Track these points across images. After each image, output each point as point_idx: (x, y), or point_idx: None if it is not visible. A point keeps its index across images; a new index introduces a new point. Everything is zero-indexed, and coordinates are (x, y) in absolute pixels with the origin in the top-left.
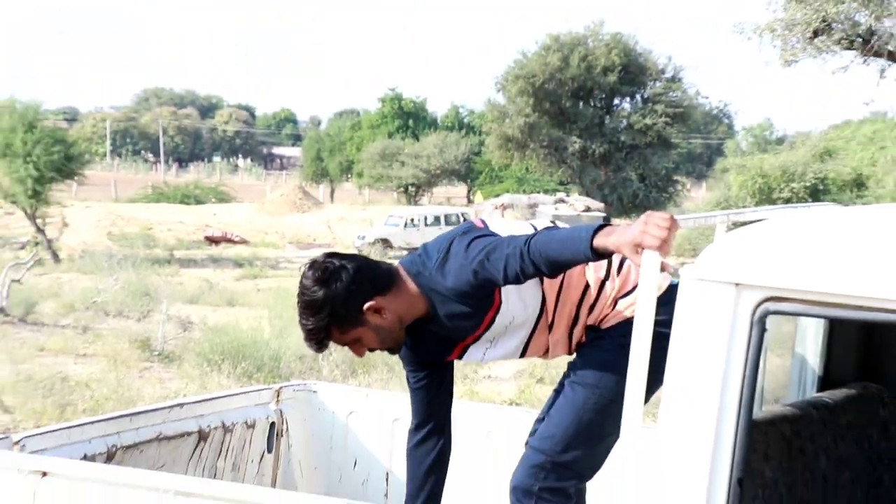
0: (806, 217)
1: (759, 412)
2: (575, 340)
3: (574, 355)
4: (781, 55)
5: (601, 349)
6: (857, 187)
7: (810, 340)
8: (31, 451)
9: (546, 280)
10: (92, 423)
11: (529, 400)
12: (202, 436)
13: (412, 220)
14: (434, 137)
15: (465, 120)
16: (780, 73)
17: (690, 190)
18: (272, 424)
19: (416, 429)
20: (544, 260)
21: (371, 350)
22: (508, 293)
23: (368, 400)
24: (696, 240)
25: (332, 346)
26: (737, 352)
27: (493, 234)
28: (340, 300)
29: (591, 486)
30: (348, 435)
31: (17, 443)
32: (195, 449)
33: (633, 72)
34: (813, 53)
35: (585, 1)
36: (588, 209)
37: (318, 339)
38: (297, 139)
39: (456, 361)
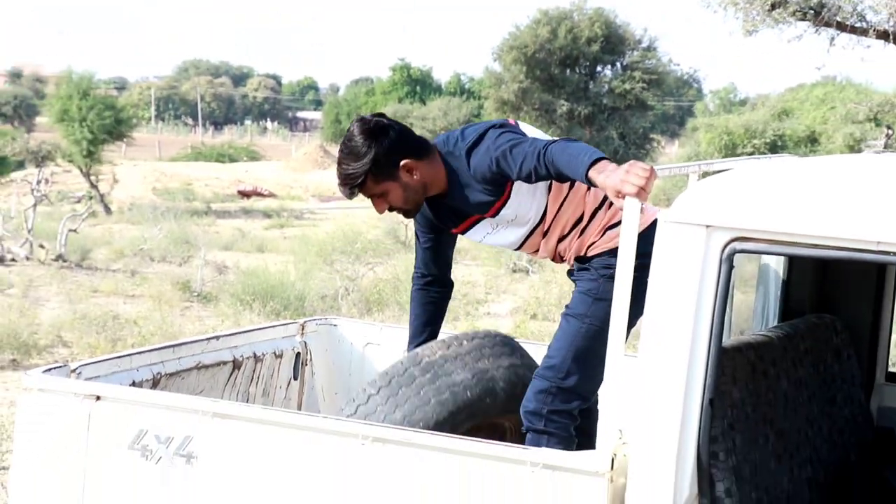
0: (768, 167)
1: (728, 340)
2: (560, 252)
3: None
4: (743, 26)
5: (588, 281)
6: (810, 143)
7: (772, 277)
8: (86, 377)
9: (551, 195)
10: (139, 353)
11: (524, 333)
12: (236, 365)
13: None
14: (439, 102)
15: (466, 86)
16: (743, 42)
17: (665, 147)
18: (298, 355)
19: (420, 277)
20: (553, 168)
21: (391, 209)
22: (519, 192)
23: (382, 333)
24: (670, 190)
25: (350, 287)
26: (708, 287)
27: (523, 134)
28: (383, 151)
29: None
30: (365, 364)
31: (73, 371)
32: (230, 376)
33: (613, 42)
34: (771, 24)
35: None
36: None
37: (352, 184)
38: (318, 104)
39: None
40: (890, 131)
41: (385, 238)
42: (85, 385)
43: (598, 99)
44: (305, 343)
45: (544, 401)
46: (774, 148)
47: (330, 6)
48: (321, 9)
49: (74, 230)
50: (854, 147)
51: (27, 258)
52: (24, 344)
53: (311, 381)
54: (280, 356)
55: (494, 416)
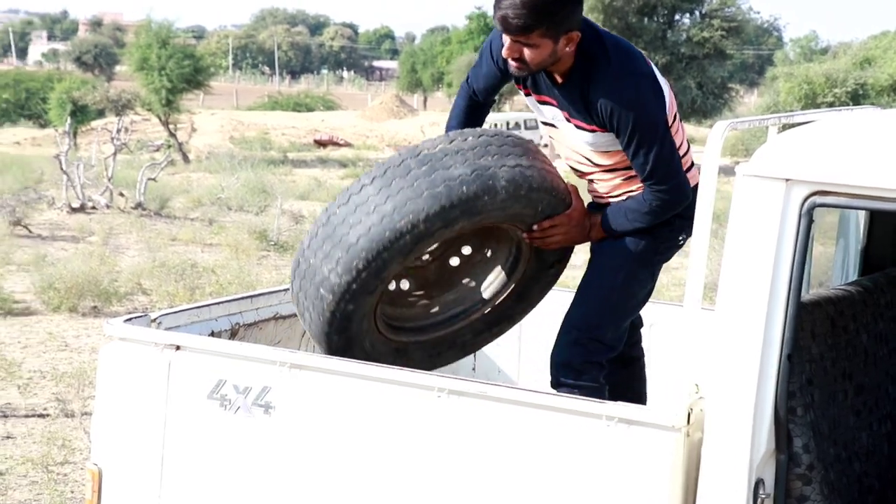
0: (849, 119)
1: (807, 295)
2: (602, 178)
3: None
4: None
5: (623, 238)
6: (893, 92)
7: (852, 230)
8: (166, 327)
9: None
10: (218, 303)
11: (562, 282)
12: None
13: (495, 124)
14: None
15: None
16: None
17: (743, 96)
18: None
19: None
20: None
21: (518, 59)
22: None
23: None
24: (749, 141)
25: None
26: (786, 241)
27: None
28: (568, 13)
29: (656, 364)
30: None
31: (154, 320)
32: None
33: None
34: None
35: None
36: None
37: (526, 23)
38: (394, 53)
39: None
40: None
41: None
42: (165, 335)
43: (676, 48)
44: None
45: (577, 353)
46: (856, 97)
47: None
48: None
49: (153, 178)
50: None
51: (107, 206)
52: (105, 291)
53: None
54: None
55: (494, 218)
